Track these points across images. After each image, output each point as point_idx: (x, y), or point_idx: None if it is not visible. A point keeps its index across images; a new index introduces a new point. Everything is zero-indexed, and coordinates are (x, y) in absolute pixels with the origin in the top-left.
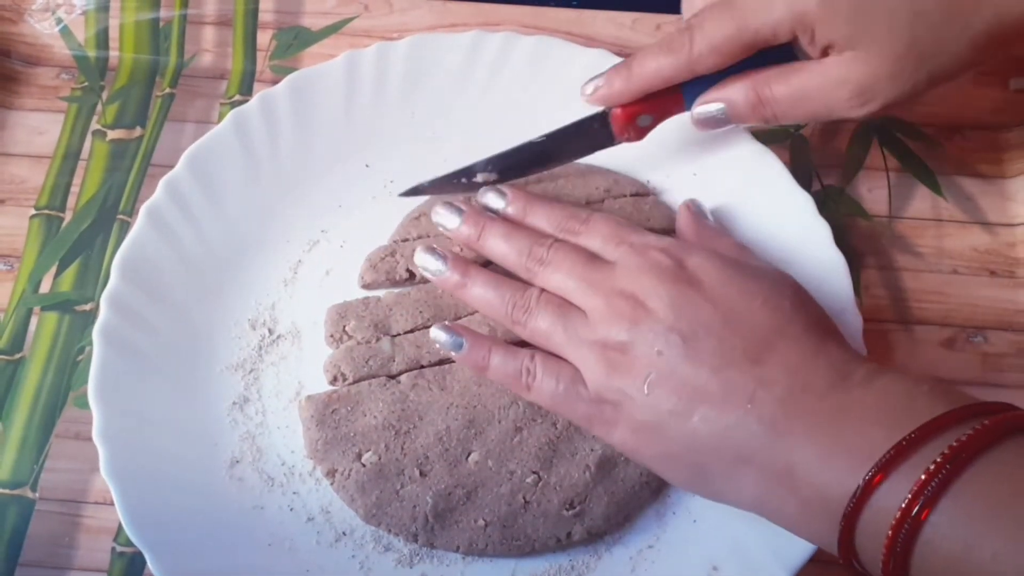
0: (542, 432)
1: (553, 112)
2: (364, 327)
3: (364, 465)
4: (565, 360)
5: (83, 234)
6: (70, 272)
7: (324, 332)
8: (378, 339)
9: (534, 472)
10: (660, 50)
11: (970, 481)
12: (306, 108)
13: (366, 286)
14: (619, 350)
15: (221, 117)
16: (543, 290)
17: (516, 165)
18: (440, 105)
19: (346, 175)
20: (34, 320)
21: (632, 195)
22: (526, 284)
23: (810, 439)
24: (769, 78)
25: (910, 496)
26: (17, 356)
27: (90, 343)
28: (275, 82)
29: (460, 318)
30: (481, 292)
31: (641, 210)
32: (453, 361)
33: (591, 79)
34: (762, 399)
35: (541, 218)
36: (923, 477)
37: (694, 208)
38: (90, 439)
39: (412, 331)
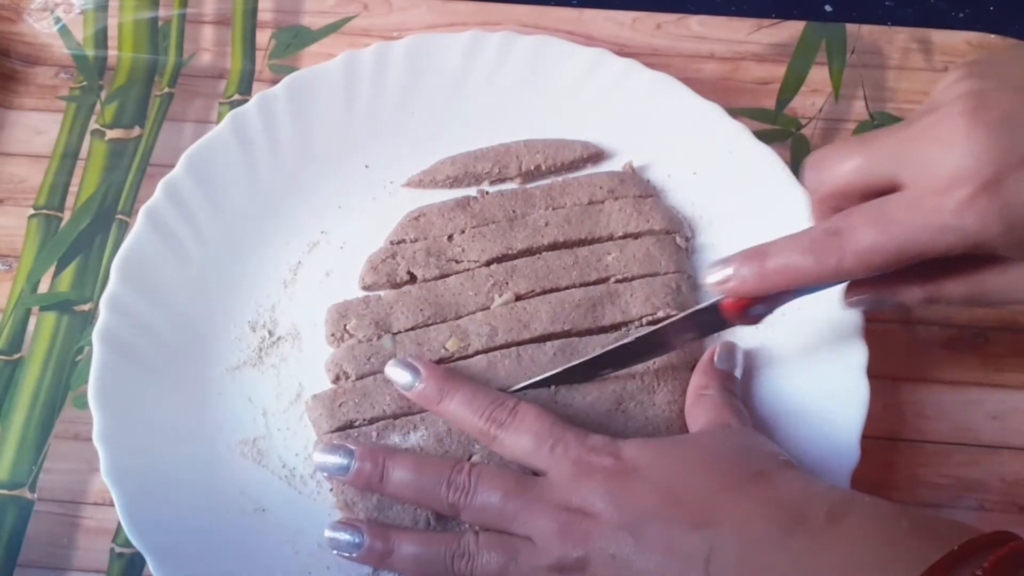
0: None
1: (552, 111)
2: (365, 325)
3: None
4: None
5: (82, 234)
6: (69, 272)
7: (325, 332)
8: (379, 337)
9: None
10: (801, 250)
11: None
12: (305, 109)
13: (366, 288)
14: (576, 568)
15: (220, 117)
16: (478, 532)
17: (626, 356)
18: (439, 105)
19: (345, 176)
20: (33, 320)
21: (635, 196)
22: (459, 534)
23: None
24: (940, 282)
25: None
26: (16, 356)
27: (89, 343)
28: (274, 81)
29: (461, 317)
30: (413, 552)
31: (642, 211)
32: (453, 360)
33: (718, 263)
34: (718, 562)
35: (461, 404)
36: None
37: (724, 354)
38: (89, 439)
39: (413, 328)
